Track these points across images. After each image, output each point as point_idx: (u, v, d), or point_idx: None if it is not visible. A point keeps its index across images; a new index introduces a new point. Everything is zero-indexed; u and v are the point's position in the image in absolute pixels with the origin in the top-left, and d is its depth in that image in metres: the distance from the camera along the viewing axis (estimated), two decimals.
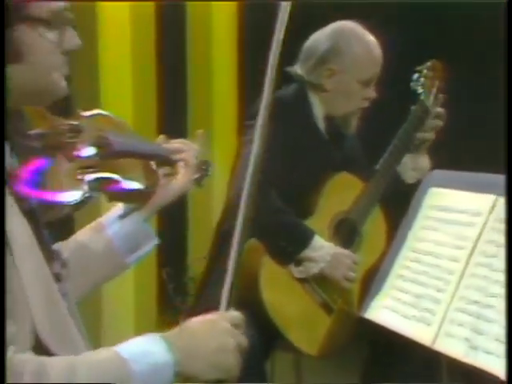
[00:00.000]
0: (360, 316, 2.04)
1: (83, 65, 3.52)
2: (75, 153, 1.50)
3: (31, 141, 1.43)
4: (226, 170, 2.76)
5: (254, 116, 1.58)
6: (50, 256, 1.44)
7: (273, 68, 1.53)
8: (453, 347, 1.72)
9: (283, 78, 2.57)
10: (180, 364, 1.36)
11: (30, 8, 1.37)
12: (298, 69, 2.70)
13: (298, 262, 2.54)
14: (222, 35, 5.03)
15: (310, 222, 2.59)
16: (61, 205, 1.45)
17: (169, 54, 4.62)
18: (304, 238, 2.53)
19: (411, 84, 2.68)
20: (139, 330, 4.12)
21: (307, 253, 2.52)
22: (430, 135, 2.68)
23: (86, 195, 1.46)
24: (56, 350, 1.33)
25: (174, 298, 4.46)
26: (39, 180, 1.40)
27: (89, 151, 1.53)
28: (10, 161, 1.39)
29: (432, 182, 2.06)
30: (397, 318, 1.92)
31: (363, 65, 2.66)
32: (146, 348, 1.35)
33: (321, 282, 2.57)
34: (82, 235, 1.70)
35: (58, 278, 1.43)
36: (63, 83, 1.45)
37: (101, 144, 1.55)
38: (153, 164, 1.71)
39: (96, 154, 1.54)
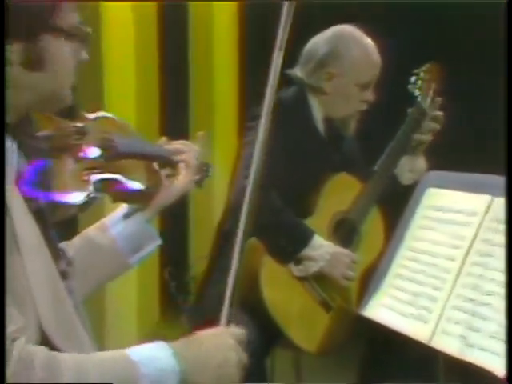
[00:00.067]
0: (358, 314, 2.06)
1: (87, 66, 3.53)
2: (81, 154, 1.52)
3: (38, 142, 1.45)
4: (226, 170, 2.77)
5: (254, 117, 1.59)
6: (57, 254, 1.45)
7: (276, 69, 1.55)
8: (449, 344, 1.74)
9: (283, 80, 2.59)
10: (185, 373, 1.39)
11: (56, 19, 1.40)
12: (297, 72, 2.71)
13: (298, 261, 2.55)
14: (224, 35, 5.03)
15: (310, 222, 2.60)
16: (67, 205, 1.47)
17: (171, 55, 4.61)
18: (304, 238, 2.55)
19: (408, 87, 2.68)
20: (142, 329, 4.16)
21: (307, 252, 2.53)
22: (426, 137, 2.68)
23: (91, 196, 1.48)
24: (62, 346, 1.35)
25: (176, 296, 4.48)
26: (44, 180, 1.42)
27: (94, 152, 1.55)
28: (18, 161, 1.40)
29: (429, 183, 2.07)
30: (394, 315, 1.93)
31: (362, 68, 2.67)
32: (155, 354, 1.38)
33: (320, 280, 2.58)
34: (86, 235, 1.72)
35: (64, 275, 1.45)
36: (70, 93, 1.48)
37: (106, 146, 1.58)
38: (155, 165, 1.73)
39: (101, 156, 1.56)
